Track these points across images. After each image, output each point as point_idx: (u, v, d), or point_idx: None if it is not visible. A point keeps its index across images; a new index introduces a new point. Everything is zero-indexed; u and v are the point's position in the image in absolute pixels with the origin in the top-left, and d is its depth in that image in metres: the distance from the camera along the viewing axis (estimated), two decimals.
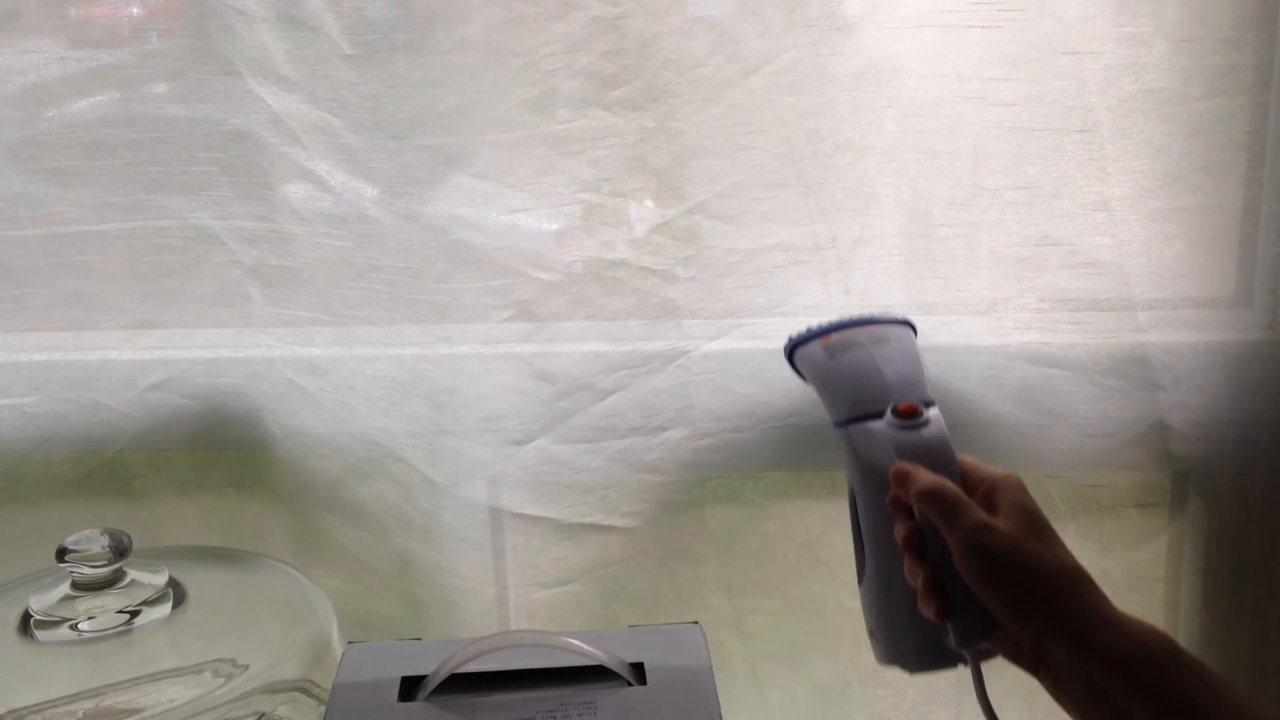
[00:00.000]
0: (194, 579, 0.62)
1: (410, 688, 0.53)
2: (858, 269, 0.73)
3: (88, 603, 0.59)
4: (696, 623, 0.57)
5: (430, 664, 0.53)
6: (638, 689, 0.52)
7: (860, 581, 0.58)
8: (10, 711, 0.53)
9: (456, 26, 0.69)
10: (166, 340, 0.74)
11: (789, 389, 0.72)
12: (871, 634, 0.58)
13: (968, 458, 0.55)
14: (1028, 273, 0.72)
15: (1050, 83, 0.69)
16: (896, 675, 0.77)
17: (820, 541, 0.78)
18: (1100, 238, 0.71)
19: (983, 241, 0.72)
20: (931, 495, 0.51)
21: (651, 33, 0.68)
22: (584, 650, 0.52)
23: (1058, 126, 0.70)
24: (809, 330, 0.60)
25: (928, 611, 0.52)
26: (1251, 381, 0.73)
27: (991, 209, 0.71)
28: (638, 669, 0.53)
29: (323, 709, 0.53)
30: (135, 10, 0.71)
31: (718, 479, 0.77)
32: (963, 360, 0.73)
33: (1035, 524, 0.51)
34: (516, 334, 0.74)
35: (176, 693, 0.55)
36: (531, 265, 0.72)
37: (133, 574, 0.60)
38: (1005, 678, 0.52)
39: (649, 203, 0.72)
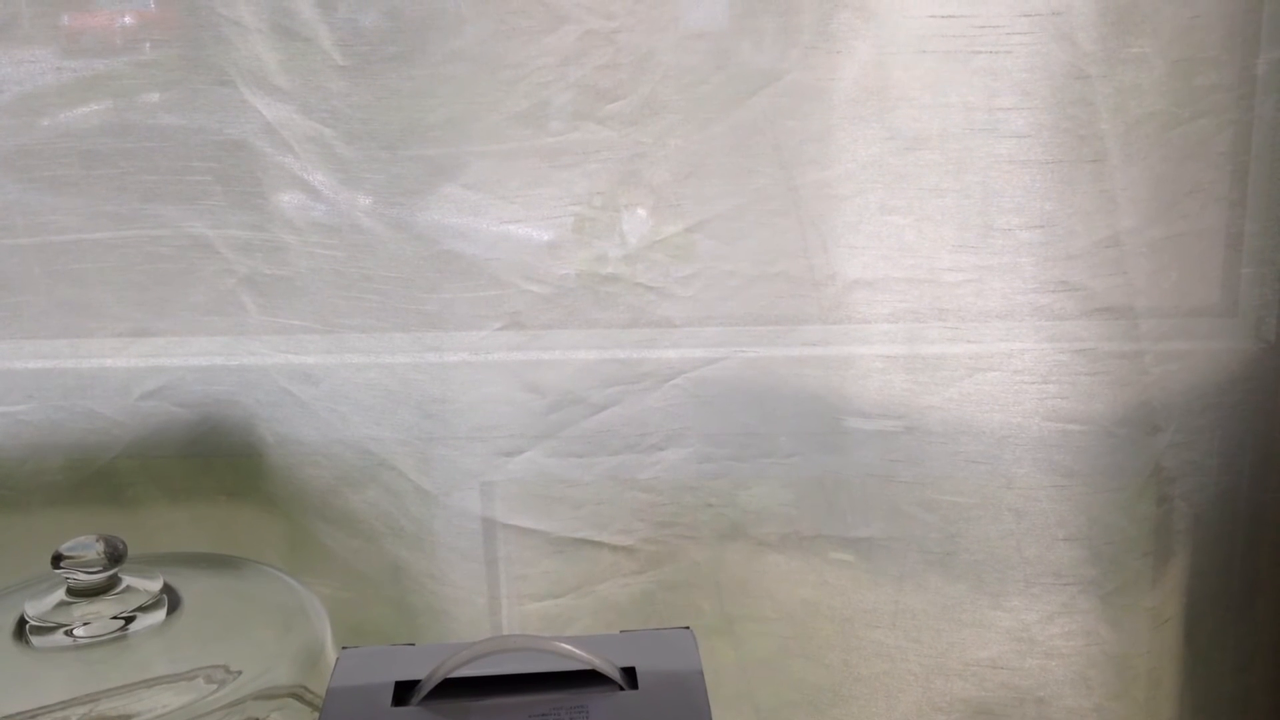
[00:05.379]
0: (188, 585, 0.62)
1: (404, 692, 0.53)
2: (857, 310, 0.72)
3: (83, 609, 0.59)
4: (688, 628, 0.58)
5: (424, 669, 0.53)
6: (629, 693, 0.52)
7: None
8: (5, 717, 0.53)
9: (448, 38, 0.69)
10: (161, 348, 0.75)
11: (791, 425, 0.72)
12: None
13: None
14: (1044, 321, 0.71)
15: (1064, 110, 0.67)
16: (891, 682, 0.77)
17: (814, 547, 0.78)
18: (1112, 277, 0.70)
19: (995, 288, 0.71)
20: None
21: (648, 48, 0.69)
22: (576, 655, 0.53)
23: (1071, 158, 0.68)
24: None
25: None
26: (1232, 406, 0.72)
27: (1005, 251, 0.70)
28: (629, 673, 0.53)
29: (316, 715, 0.53)
30: (129, 20, 0.71)
31: (715, 506, 0.77)
32: (974, 419, 0.72)
33: None
34: (507, 345, 0.74)
35: (169, 699, 0.54)
36: (523, 277, 0.73)
37: (128, 580, 0.60)
38: None
39: (645, 218, 0.72)
